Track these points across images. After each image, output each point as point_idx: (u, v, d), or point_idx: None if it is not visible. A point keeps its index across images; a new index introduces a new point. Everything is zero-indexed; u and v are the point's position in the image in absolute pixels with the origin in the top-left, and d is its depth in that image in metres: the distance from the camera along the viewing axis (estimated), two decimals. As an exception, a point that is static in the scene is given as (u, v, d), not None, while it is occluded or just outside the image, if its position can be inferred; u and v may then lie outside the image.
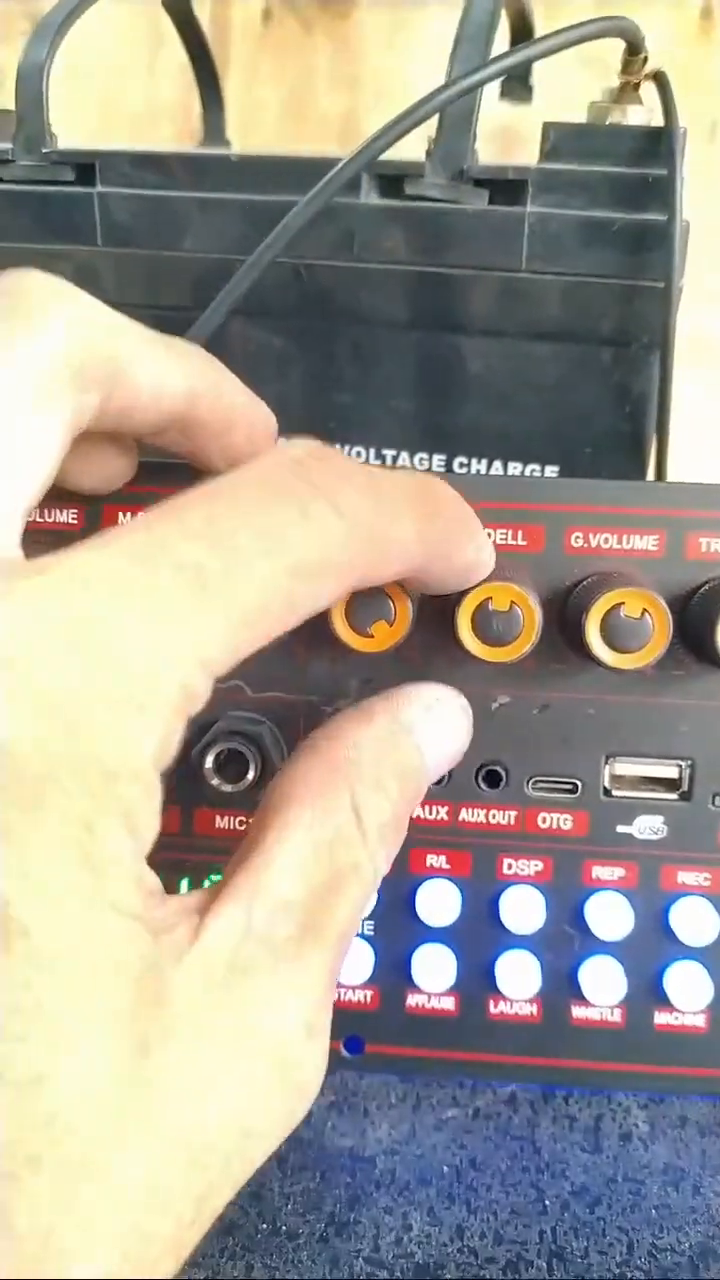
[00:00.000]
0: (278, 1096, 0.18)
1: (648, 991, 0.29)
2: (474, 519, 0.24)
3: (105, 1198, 0.16)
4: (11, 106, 0.39)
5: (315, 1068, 0.19)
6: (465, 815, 0.29)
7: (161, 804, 0.17)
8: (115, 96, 0.72)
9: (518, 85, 0.51)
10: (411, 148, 0.37)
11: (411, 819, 0.29)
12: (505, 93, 0.51)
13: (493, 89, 0.52)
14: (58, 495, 0.27)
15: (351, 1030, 0.30)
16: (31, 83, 0.38)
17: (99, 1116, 0.16)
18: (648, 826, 0.29)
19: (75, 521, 0.28)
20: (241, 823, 0.30)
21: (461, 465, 0.39)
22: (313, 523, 0.19)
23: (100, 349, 0.22)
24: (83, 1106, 0.15)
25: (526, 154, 0.38)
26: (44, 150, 0.39)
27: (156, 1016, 0.17)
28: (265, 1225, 0.27)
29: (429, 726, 0.23)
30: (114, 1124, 0.16)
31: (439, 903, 0.29)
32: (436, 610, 0.27)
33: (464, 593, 0.26)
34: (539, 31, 0.46)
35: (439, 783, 0.29)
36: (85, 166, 0.39)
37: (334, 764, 0.21)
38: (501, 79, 0.51)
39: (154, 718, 0.17)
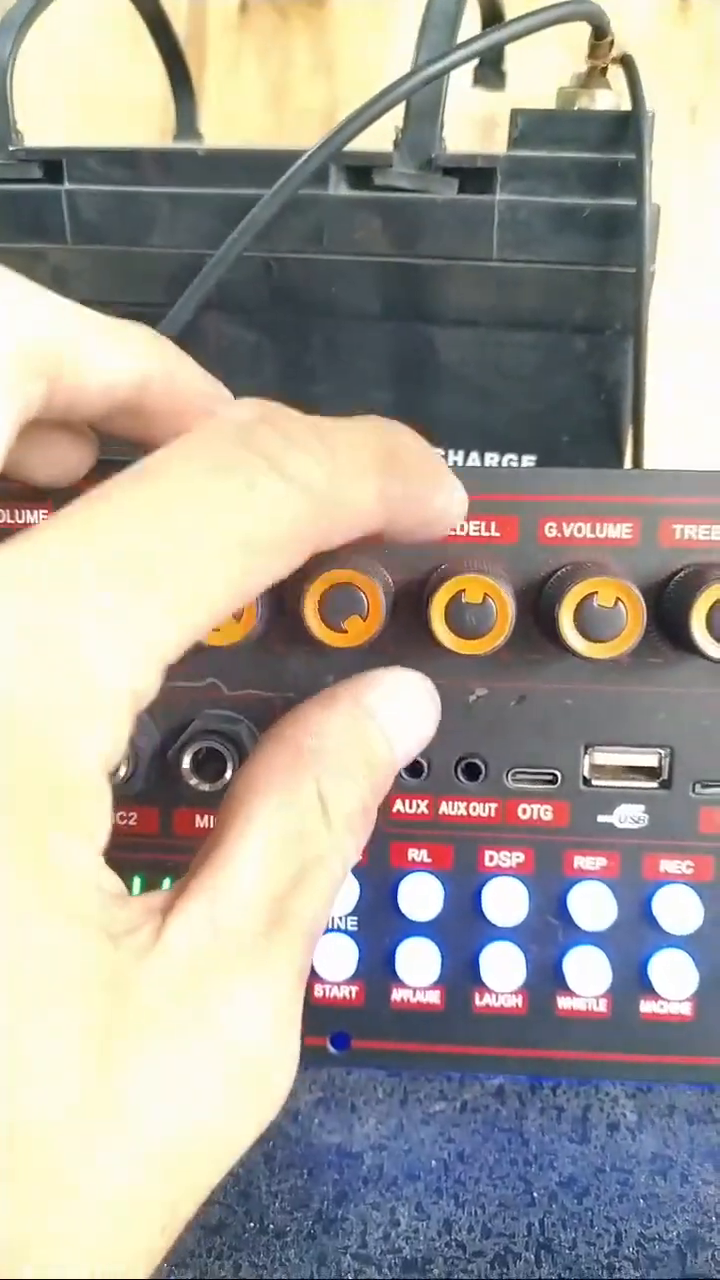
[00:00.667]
0: (246, 1098, 0.18)
1: (632, 981, 0.29)
2: (441, 465, 0.23)
3: (74, 1209, 0.15)
4: (-22, 105, 0.39)
5: (285, 1067, 0.19)
6: (445, 808, 0.29)
7: (112, 803, 0.17)
8: (94, 92, 0.72)
9: (490, 72, 0.50)
10: (384, 137, 0.37)
11: (391, 813, 0.29)
12: (478, 79, 0.51)
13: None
14: (21, 493, 0.27)
15: (337, 1026, 0.30)
16: (-4, 81, 0.38)
17: (64, 1128, 0.15)
18: (628, 815, 0.29)
19: None
20: (221, 822, 0.30)
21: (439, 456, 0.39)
22: (260, 495, 0.18)
23: (45, 337, 0.21)
24: (47, 1119, 0.15)
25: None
26: (10, 148, 0.38)
27: (120, 1022, 0.16)
28: (253, 1224, 0.27)
29: (394, 712, 0.22)
30: (80, 1135, 0.16)
31: (421, 896, 0.29)
32: (411, 603, 0.27)
33: (437, 586, 0.26)
34: (511, 16, 0.46)
35: (417, 776, 0.29)
36: (52, 164, 0.38)
37: (298, 753, 0.20)
38: (474, 65, 0.50)
39: (100, 720, 0.16)
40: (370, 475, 0.20)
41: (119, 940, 0.17)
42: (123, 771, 0.28)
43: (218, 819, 0.20)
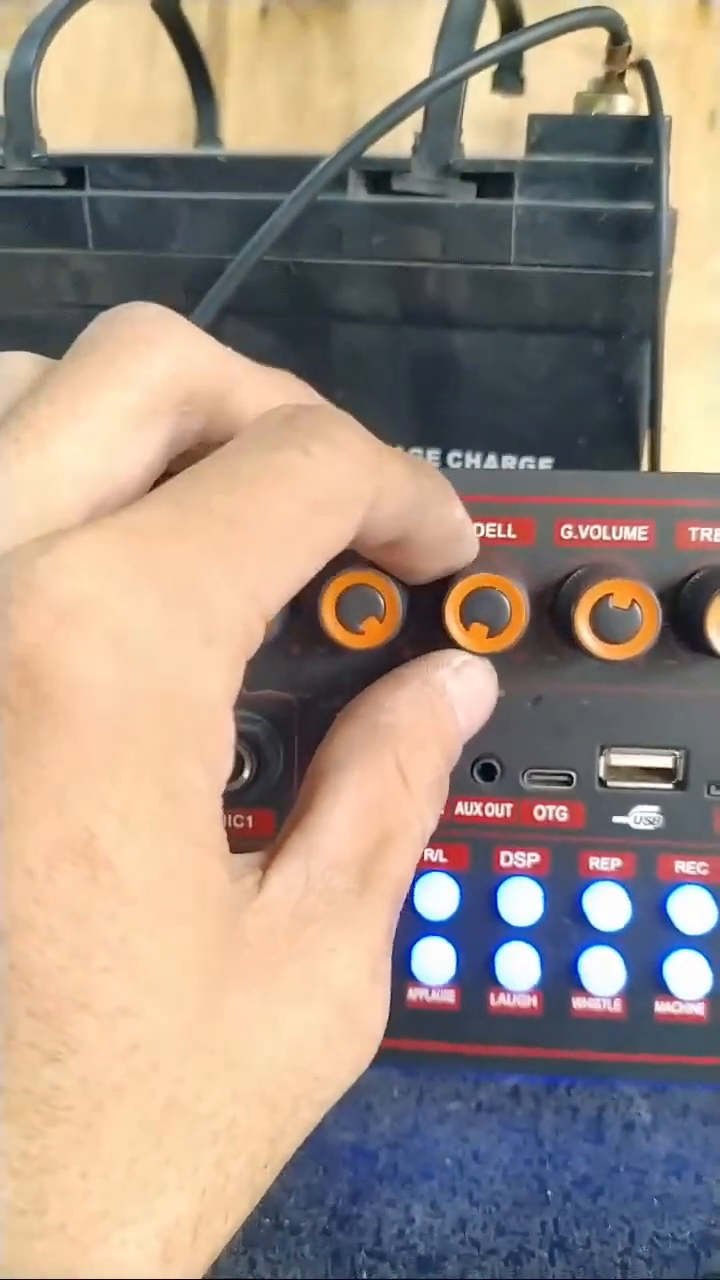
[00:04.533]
0: (343, 1042, 0.19)
1: (648, 981, 0.29)
2: (453, 489, 0.24)
3: (188, 1131, 0.16)
4: (1, 112, 0.40)
5: (378, 1014, 0.20)
6: (461, 809, 0.29)
7: (233, 744, 0.18)
8: (114, 97, 0.72)
9: (509, 76, 0.50)
10: (404, 142, 0.37)
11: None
12: (497, 84, 0.51)
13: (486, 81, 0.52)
14: None
15: (353, 1025, 0.31)
16: (20, 88, 0.38)
17: (181, 1050, 0.16)
18: (644, 816, 0.29)
19: None
20: (239, 821, 0.30)
21: (456, 460, 0.39)
22: (316, 459, 0.19)
23: (208, 379, 0.22)
24: (165, 1039, 0.16)
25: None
26: (34, 155, 0.39)
27: (232, 955, 0.17)
28: (268, 1220, 0.27)
29: (459, 688, 0.24)
30: (194, 1059, 0.16)
31: (437, 896, 0.29)
32: (427, 605, 0.27)
33: (452, 586, 0.26)
34: (530, 21, 0.46)
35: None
36: (74, 170, 0.39)
37: (375, 728, 0.22)
38: (493, 71, 0.51)
39: (220, 651, 0.17)
40: (402, 459, 0.22)
41: (234, 880, 0.18)
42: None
43: (301, 792, 0.22)
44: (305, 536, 0.19)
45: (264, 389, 0.24)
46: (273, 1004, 0.18)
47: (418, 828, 0.22)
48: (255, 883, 0.19)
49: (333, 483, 0.20)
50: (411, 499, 0.22)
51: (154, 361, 0.21)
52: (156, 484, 0.23)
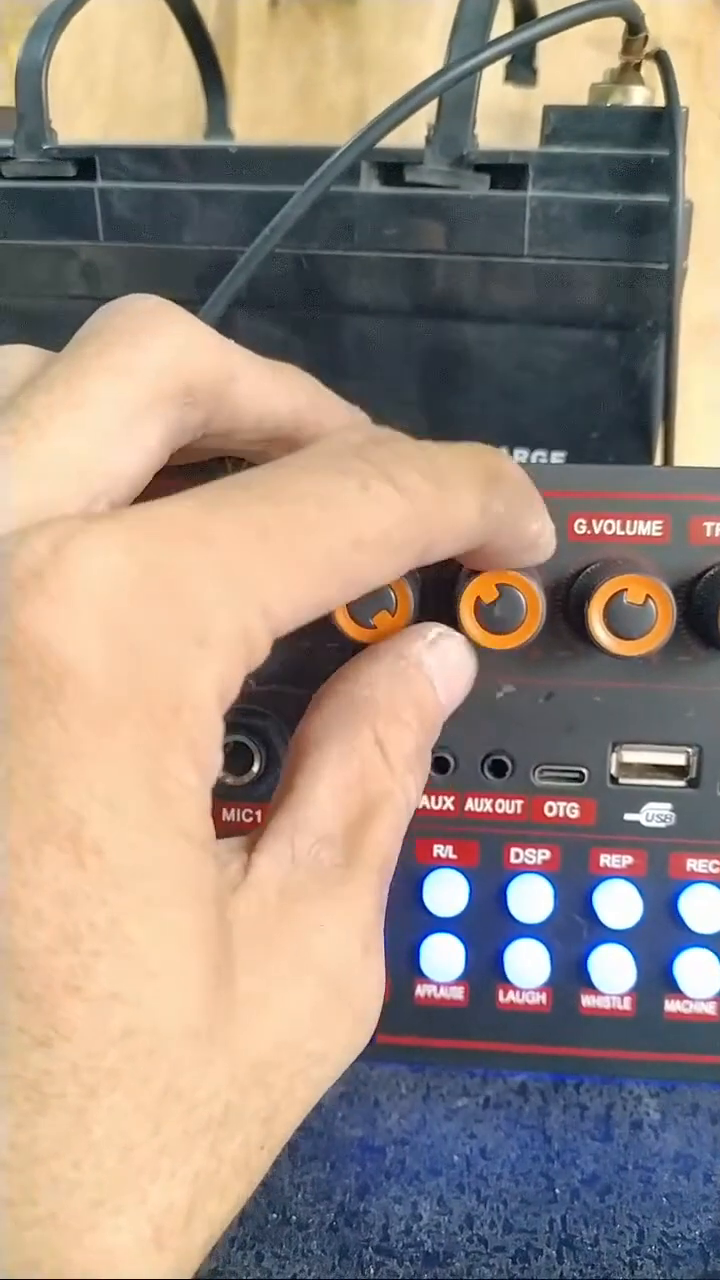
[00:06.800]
0: (336, 1018, 0.19)
1: (657, 979, 0.29)
2: (537, 494, 0.24)
3: (184, 1117, 0.16)
4: (12, 103, 0.39)
5: (373, 989, 0.20)
6: (471, 805, 0.29)
7: (221, 743, 0.18)
8: (125, 89, 0.72)
9: (522, 68, 0.50)
10: (416, 134, 0.37)
11: (417, 809, 0.29)
12: (509, 76, 0.50)
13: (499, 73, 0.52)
14: None
15: (362, 1021, 0.30)
16: (31, 79, 0.38)
17: (177, 1036, 0.16)
18: (655, 814, 0.29)
19: None
20: (248, 815, 0.30)
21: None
22: (372, 497, 0.19)
23: (208, 369, 0.22)
24: (161, 1025, 0.16)
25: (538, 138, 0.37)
26: (44, 146, 0.39)
27: (223, 938, 0.17)
28: (275, 1215, 0.27)
29: (435, 659, 0.24)
30: (191, 1044, 0.16)
31: (447, 893, 0.29)
32: (439, 599, 0.27)
33: (466, 582, 0.26)
34: (544, 12, 0.46)
35: (443, 771, 0.29)
36: (85, 161, 0.39)
37: (352, 703, 0.22)
38: (505, 62, 0.50)
39: (214, 653, 0.17)
40: (474, 491, 0.21)
41: (220, 869, 0.18)
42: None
43: (284, 773, 0.22)
44: (340, 570, 0.19)
45: (265, 382, 0.24)
46: (265, 983, 0.18)
47: (400, 798, 0.22)
48: (241, 866, 0.19)
49: (383, 526, 0.19)
50: (477, 534, 0.22)
51: (152, 352, 0.21)
52: (159, 477, 0.23)
